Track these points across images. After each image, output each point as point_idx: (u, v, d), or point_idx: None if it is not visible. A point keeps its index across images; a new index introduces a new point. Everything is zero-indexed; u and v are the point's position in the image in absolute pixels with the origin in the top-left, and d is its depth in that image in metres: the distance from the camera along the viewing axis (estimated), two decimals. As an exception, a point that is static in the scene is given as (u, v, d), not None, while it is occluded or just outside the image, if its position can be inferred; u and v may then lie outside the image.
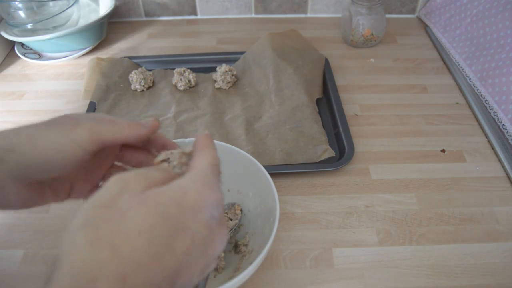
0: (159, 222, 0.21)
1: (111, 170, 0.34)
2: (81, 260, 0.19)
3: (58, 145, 0.27)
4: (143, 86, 0.70)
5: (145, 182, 0.23)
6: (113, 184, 0.23)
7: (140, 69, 0.71)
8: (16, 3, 0.74)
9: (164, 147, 0.33)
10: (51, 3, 0.76)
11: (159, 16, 0.92)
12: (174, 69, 0.72)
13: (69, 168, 0.28)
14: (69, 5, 0.78)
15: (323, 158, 0.58)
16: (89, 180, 0.33)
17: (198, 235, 0.22)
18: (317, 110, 0.66)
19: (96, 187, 0.34)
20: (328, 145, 0.60)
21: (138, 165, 0.34)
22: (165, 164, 0.28)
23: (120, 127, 0.29)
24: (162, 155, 0.29)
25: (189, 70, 0.72)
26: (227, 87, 0.71)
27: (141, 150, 0.34)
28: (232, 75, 0.71)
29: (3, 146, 0.26)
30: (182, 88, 0.70)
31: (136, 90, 0.71)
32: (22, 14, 0.75)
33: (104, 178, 0.34)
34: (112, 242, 0.20)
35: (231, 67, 0.71)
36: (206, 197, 0.23)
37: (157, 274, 0.20)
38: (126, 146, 0.34)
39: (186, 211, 0.22)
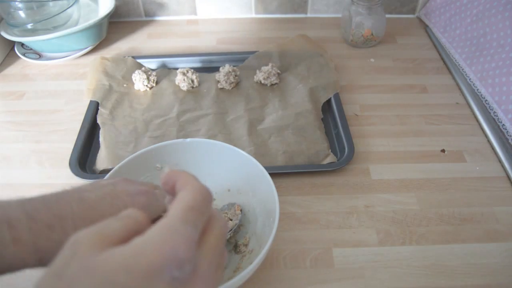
0: None
1: None
2: None
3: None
4: (146, 85, 0.70)
5: (99, 242, 0.21)
6: (67, 247, 0.21)
7: (143, 68, 0.72)
8: (16, 3, 0.74)
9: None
10: (51, 3, 0.76)
11: (159, 16, 0.92)
12: (177, 69, 0.72)
13: None
14: (69, 5, 0.78)
15: (324, 162, 0.58)
16: None
17: None
18: (322, 117, 0.65)
19: None
20: (330, 151, 0.60)
21: None
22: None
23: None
24: None
25: (192, 70, 0.72)
26: (230, 88, 0.71)
27: None
28: (236, 75, 0.71)
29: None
30: (185, 88, 0.70)
31: (139, 89, 0.71)
32: (22, 14, 0.75)
33: None
34: None
35: (235, 67, 0.71)
36: (165, 256, 0.20)
37: None
38: None
39: (136, 278, 0.20)
